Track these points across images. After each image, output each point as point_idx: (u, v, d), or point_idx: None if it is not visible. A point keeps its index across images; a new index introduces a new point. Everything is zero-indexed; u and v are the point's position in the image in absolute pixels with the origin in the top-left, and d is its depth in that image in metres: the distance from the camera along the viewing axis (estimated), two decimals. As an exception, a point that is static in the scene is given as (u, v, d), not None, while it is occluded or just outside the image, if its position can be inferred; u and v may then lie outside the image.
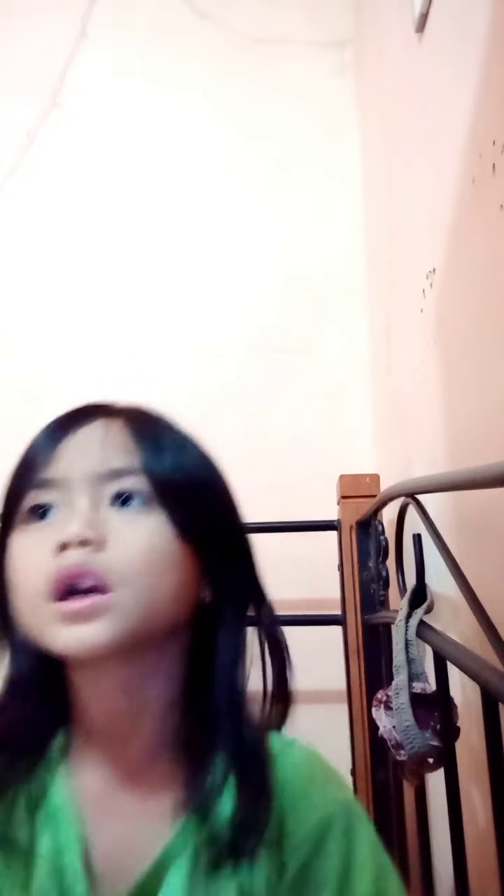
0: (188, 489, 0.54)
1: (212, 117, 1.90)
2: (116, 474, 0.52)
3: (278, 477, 1.59)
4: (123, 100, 1.92)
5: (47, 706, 0.55)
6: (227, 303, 1.79)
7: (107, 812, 0.52)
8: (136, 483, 0.52)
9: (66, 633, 0.48)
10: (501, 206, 0.73)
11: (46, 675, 0.55)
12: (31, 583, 0.49)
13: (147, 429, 0.56)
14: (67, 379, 1.68)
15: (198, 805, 0.50)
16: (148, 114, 1.91)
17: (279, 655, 0.57)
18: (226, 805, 0.50)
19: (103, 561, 0.48)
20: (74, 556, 0.48)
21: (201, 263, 1.82)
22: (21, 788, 0.52)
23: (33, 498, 0.52)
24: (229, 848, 0.49)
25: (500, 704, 0.59)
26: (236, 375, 1.70)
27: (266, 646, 0.57)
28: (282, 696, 0.57)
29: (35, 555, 0.50)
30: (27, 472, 0.54)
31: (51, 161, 1.89)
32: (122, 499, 0.51)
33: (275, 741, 0.55)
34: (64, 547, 0.48)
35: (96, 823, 0.52)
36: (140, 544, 0.50)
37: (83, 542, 0.48)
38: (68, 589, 0.48)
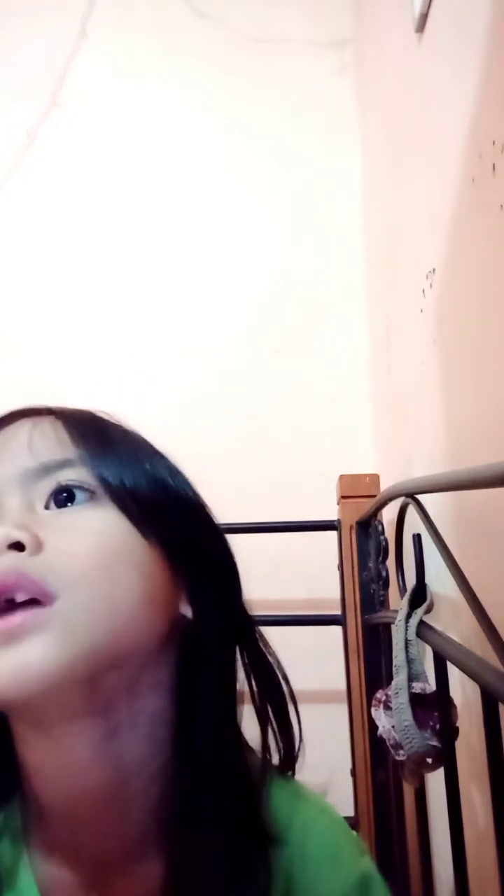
0: (142, 479, 0.46)
1: (211, 117, 1.90)
2: (49, 468, 0.44)
3: (278, 477, 1.59)
4: (123, 100, 1.92)
5: None
6: (227, 302, 1.79)
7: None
8: (75, 475, 0.44)
9: (2, 664, 0.37)
10: (501, 206, 0.73)
11: None
12: None
13: (84, 421, 0.48)
14: (67, 379, 1.68)
15: None
16: (148, 113, 1.91)
17: (279, 702, 0.48)
18: None
19: (39, 565, 0.39)
20: (3, 563, 0.39)
21: (201, 263, 1.82)
22: None
23: None
24: None
25: (500, 704, 0.59)
26: (236, 375, 1.70)
27: (261, 690, 0.48)
28: (287, 744, 0.48)
29: None
30: None
31: (51, 161, 1.89)
32: (62, 495, 0.43)
33: (280, 798, 0.47)
34: None
35: None
36: (87, 542, 0.41)
37: (14, 546, 0.40)
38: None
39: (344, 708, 1.29)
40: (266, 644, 0.50)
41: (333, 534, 1.34)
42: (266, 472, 1.58)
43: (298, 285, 1.79)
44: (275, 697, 0.49)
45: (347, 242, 1.80)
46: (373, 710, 0.87)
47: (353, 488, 1.31)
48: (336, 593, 1.32)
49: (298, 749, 0.49)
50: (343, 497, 1.32)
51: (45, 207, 1.87)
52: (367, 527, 1.26)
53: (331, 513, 1.36)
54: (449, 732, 0.76)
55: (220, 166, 1.87)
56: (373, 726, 0.87)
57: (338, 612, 1.30)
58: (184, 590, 0.46)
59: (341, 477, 1.34)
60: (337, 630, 1.30)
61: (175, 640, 0.45)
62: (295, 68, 1.90)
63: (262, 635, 0.50)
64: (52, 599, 0.39)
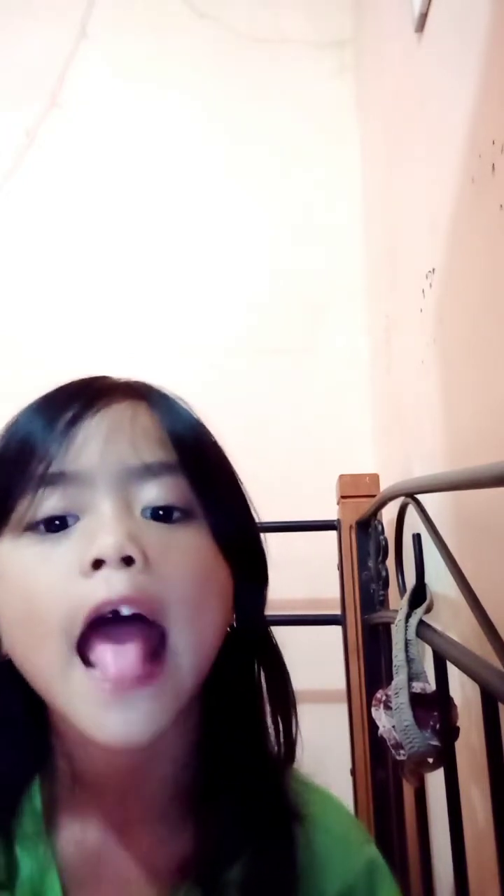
0: (227, 493, 0.45)
1: (211, 117, 1.90)
2: (151, 470, 0.40)
3: (278, 477, 1.59)
4: (123, 100, 1.92)
5: (22, 748, 0.44)
6: (226, 303, 1.79)
7: (95, 880, 0.43)
8: (173, 485, 0.41)
9: (110, 721, 0.36)
10: (501, 206, 0.73)
11: (21, 707, 0.43)
12: (49, 614, 0.37)
13: (180, 419, 0.45)
14: (67, 379, 1.68)
15: (203, 878, 0.41)
16: (147, 113, 1.91)
17: (286, 697, 0.48)
18: (237, 872, 0.41)
19: (150, 586, 0.37)
20: (116, 582, 0.36)
21: (201, 263, 1.82)
22: None
23: (38, 499, 0.39)
24: None
25: (500, 704, 0.59)
26: (236, 375, 1.70)
27: (270, 685, 0.49)
28: (287, 741, 0.48)
29: (50, 577, 0.38)
30: (23, 462, 0.40)
31: (50, 161, 1.89)
32: (162, 512, 0.40)
33: (293, 784, 0.47)
34: (98, 565, 0.37)
35: (82, 893, 0.42)
36: (188, 566, 0.39)
37: (125, 560, 0.37)
38: (103, 618, 0.37)
39: (344, 708, 1.29)
40: (276, 644, 0.50)
41: (333, 534, 1.34)
42: (266, 472, 1.57)
43: (298, 285, 1.79)
44: (282, 692, 0.49)
45: (347, 242, 1.80)
46: (373, 709, 0.87)
47: (353, 488, 1.31)
48: (336, 593, 1.32)
49: (295, 741, 0.49)
50: (343, 497, 1.32)
51: (44, 208, 1.87)
52: (366, 527, 1.26)
53: (331, 513, 1.36)
54: (449, 732, 0.76)
55: (220, 166, 1.87)
56: (373, 726, 0.87)
57: (338, 612, 1.30)
58: (234, 597, 0.45)
59: (341, 477, 1.34)
60: (337, 630, 1.30)
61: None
62: (294, 68, 1.90)
63: (272, 635, 0.50)
64: (161, 626, 0.38)
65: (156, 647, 0.38)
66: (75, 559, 0.38)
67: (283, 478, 1.60)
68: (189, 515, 0.41)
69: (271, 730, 0.48)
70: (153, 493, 0.40)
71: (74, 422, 0.41)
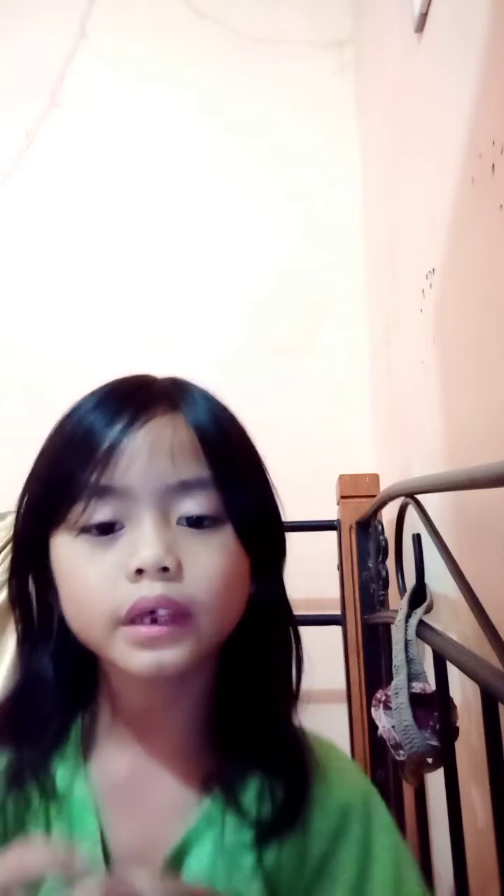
0: (256, 502, 0.52)
1: (211, 117, 1.90)
2: (188, 486, 0.48)
3: (277, 477, 1.58)
4: (122, 100, 1.92)
5: (68, 693, 0.53)
6: (227, 303, 1.79)
7: (129, 801, 0.51)
8: (206, 498, 0.48)
9: (144, 658, 0.46)
10: (501, 205, 0.73)
11: (72, 663, 0.53)
12: (99, 604, 0.46)
13: (211, 426, 0.51)
14: (67, 379, 1.67)
15: (223, 788, 0.50)
16: (147, 113, 1.91)
17: (297, 663, 0.56)
18: (251, 791, 0.50)
19: (182, 591, 0.46)
20: (154, 589, 0.45)
21: (201, 264, 1.82)
22: (36, 780, 0.50)
23: (92, 507, 0.47)
24: (255, 832, 0.49)
25: (500, 704, 0.59)
26: (236, 375, 1.70)
27: (278, 646, 0.56)
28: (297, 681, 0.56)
29: (100, 575, 0.46)
30: (79, 469, 0.47)
31: (50, 161, 1.89)
32: (195, 519, 0.48)
33: (323, 747, 0.55)
34: (139, 572, 0.46)
35: (117, 813, 0.50)
36: (216, 569, 0.48)
37: (162, 570, 0.46)
38: (144, 617, 0.46)
39: (344, 708, 1.29)
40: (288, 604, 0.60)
41: (333, 534, 1.34)
42: (266, 472, 1.57)
43: (298, 285, 1.79)
44: (286, 655, 0.56)
45: (347, 242, 1.80)
46: (373, 710, 0.87)
47: (353, 488, 1.31)
48: (336, 593, 1.32)
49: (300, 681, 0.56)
50: (343, 497, 1.32)
51: (44, 208, 1.87)
52: (366, 527, 1.26)
53: (331, 513, 1.36)
54: (449, 732, 0.76)
55: (220, 166, 1.87)
56: (373, 726, 0.87)
57: (337, 611, 1.30)
58: (252, 571, 0.53)
59: (341, 477, 1.34)
60: (337, 630, 1.30)
61: None
62: (294, 68, 1.90)
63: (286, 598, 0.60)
64: (189, 620, 0.46)
65: (184, 618, 0.46)
66: (121, 564, 0.46)
67: (283, 478, 1.59)
68: (218, 521, 0.49)
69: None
70: (188, 505, 0.48)
71: (122, 437, 0.48)
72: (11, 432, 1.67)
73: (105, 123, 1.91)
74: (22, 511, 0.53)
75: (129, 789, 0.51)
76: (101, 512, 0.47)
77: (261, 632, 0.55)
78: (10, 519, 1.57)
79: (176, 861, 0.49)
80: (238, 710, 0.52)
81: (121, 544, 0.47)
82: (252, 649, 0.54)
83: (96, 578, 0.47)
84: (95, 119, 1.91)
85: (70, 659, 0.52)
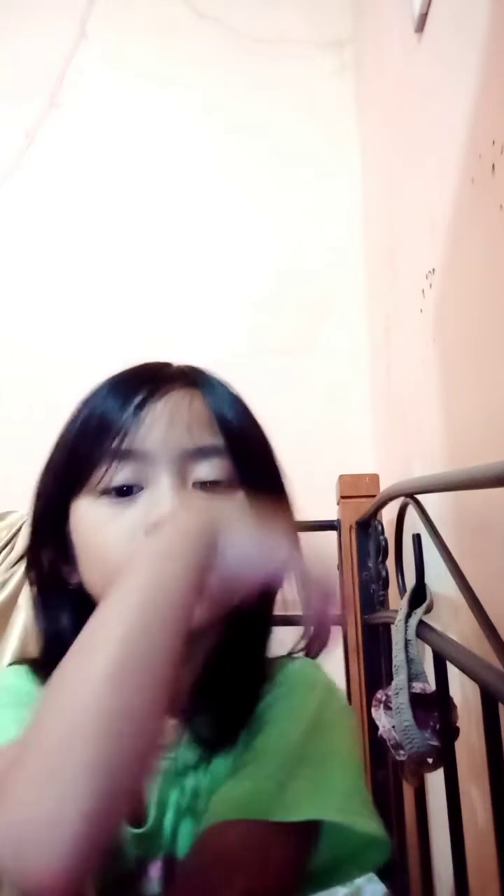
0: (267, 470, 0.56)
1: (211, 117, 1.90)
2: (203, 453, 0.51)
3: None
4: (122, 100, 1.92)
5: None
6: (227, 303, 1.79)
7: None
8: (220, 465, 0.51)
9: None
10: (501, 206, 0.73)
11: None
12: (119, 559, 0.47)
13: (226, 404, 0.55)
14: (67, 379, 1.68)
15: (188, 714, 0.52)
16: (147, 114, 1.91)
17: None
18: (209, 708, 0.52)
19: None
20: None
21: (201, 264, 1.82)
22: None
23: (113, 470, 0.50)
24: (211, 745, 0.52)
25: (500, 704, 0.59)
26: (236, 375, 1.69)
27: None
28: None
29: (120, 533, 0.49)
30: (102, 436, 0.50)
31: (50, 161, 1.89)
32: (208, 483, 0.51)
33: (295, 664, 0.57)
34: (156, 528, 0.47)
35: None
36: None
37: None
38: None
39: (344, 708, 1.29)
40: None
41: (333, 534, 1.34)
42: (266, 472, 1.57)
43: (298, 285, 1.79)
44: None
45: (347, 243, 1.80)
46: (373, 710, 0.87)
47: (353, 488, 1.31)
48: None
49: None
50: (343, 497, 1.32)
51: (44, 208, 1.86)
52: (366, 527, 1.26)
53: (331, 513, 1.36)
54: (449, 732, 0.76)
55: (220, 166, 1.87)
56: (373, 726, 0.87)
57: (337, 612, 1.29)
58: None
59: (341, 477, 1.34)
60: (336, 630, 1.30)
61: None
62: (294, 68, 1.90)
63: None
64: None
65: None
66: (140, 521, 0.49)
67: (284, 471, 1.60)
68: (231, 487, 0.52)
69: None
70: (204, 470, 0.51)
71: (143, 405, 0.51)
72: (11, 432, 1.68)
73: (105, 123, 1.91)
74: (42, 482, 0.55)
75: None
76: (122, 474, 0.50)
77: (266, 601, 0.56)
78: (11, 519, 1.57)
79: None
80: (228, 674, 0.54)
81: (140, 504, 0.49)
82: (255, 617, 0.55)
83: (116, 535, 0.49)
84: (95, 119, 1.91)
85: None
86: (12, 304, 1.82)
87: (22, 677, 0.55)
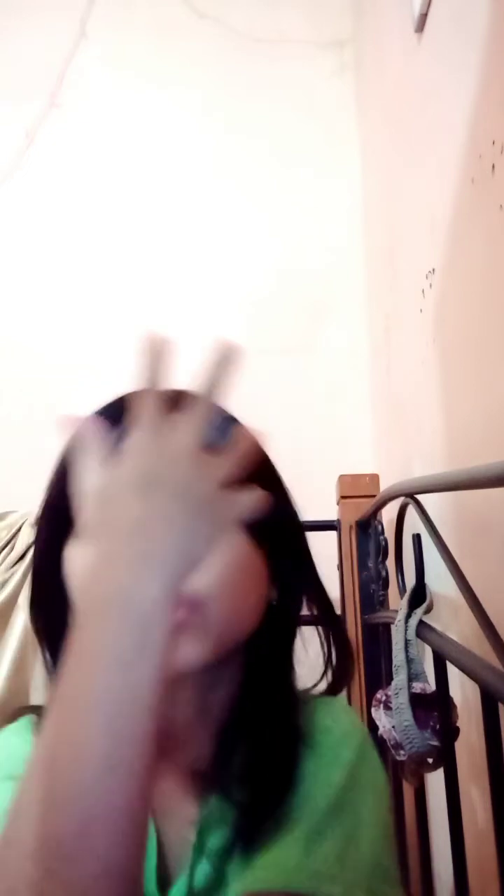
0: (271, 511, 0.52)
1: (211, 117, 1.90)
2: None
3: (278, 477, 1.59)
4: (122, 100, 1.92)
5: None
6: (227, 303, 1.79)
7: (168, 811, 0.51)
8: None
9: None
10: (501, 206, 0.73)
11: None
12: None
13: (217, 433, 0.52)
14: (67, 379, 1.68)
15: (217, 782, 0.50)
16: (147, 113, 1.91)
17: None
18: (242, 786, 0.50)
19: (192, 584, 0.45)
20: None
21: (201, 264, 1.82)
22: None
23: None
24: (247, 832, 0.48)
25: (500, 704, 0.59)
26: (236, 375, 1.70)
27: (331, 642, 0.58)
28: (342, 676, 0.59)
29: None
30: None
31: (50, 161, 1.89)
32: None
33: (323, 709, 0.56)
34: None
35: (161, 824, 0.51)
36: (224, 565, 0.47)
37: None
38: None
39: (344, 708, 1.29)
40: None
41: (333, 534, 1.34)
42: (266, 472, 1.57)
43: (298, 285, 1.79)
44: (336, 635, 0.59)
45: (347, 243, 1.80)
46: (373, 710, 0.87)
47: (353, 488, 1.31)
48: (336, 593, 1.32)
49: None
50: (343, 497, 1.32)
51: (44, 208, 1.87)
52: (366, 527, 1.26)
53: (331, 513, 1.36)
54: (449, 732, 0.76)
55: (220, 166, 1.87)
56: (373, 726, 0.87)
57: (337, 612, 1.30)
58: (273, 576, 0.54)
59: (341, 477, 1.34)
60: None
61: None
62: (294, 68, 1.90)
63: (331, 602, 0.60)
64: (200, 608, 0.46)
65: (191, 608, 0.46)
66: None
67: (283, 478, 1.60)
68: None
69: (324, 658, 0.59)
70: None
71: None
72: (11, 432, 1.68)
73: (105, 123, 1.91)
74: (38, 527, 0.55)
75: (167, 802, 0.52)
76: None
77: (283, 639, 0.55)
78: (11, 519, 1.57)
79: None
80: (250, 710, 0.53)
81: None
82: (274, 658, 0.54)
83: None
84: (95, 119, 1.91)
85: None
86: (12, 304, 1.82)
87: (21, 735, 0.54)
